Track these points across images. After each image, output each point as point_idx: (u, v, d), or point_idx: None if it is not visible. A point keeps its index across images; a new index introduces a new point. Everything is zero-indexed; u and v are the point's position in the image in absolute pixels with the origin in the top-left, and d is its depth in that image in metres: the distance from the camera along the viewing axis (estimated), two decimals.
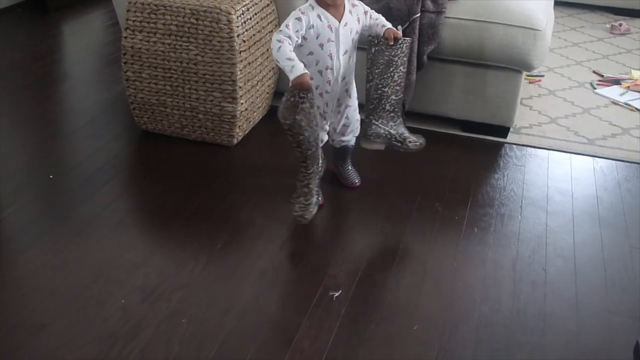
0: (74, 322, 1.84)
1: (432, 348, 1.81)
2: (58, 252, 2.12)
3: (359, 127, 2.41)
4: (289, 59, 2.02)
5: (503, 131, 2.93)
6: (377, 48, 2.19)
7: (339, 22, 2.15)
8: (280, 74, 2.93)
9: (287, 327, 1.85)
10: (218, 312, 1.90)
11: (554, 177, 2.65)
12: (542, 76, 3.58)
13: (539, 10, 2.78)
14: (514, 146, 2.88)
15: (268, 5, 2.81)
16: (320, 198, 2.38)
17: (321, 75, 2.21)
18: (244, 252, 2.16)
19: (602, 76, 3.63)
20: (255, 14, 2.69)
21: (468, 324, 1.90)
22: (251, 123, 2.85)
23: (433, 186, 2.55)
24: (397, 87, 2.25)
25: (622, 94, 3.39)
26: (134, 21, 2.64)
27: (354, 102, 2.35)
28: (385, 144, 2.33)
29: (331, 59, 2.18)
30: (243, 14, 2.59)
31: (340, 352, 1.78)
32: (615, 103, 3.31)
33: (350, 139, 2.42)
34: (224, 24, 2.53)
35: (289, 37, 2.07)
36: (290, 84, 2.03)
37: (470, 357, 1.79)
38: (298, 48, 2.17)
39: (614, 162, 2.78)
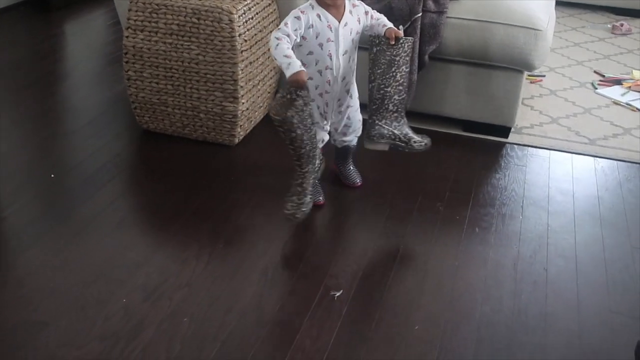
0: (75, 321, 1.84)
1: (433, 347, 1.81)
2: (59, 252, 2.12)
3: (361, 127, 2.41)
4: (286, 56, 2.02)
5: (504, 131, 2.93)
6: (378, 48, 2.18)
7: (339, 22, 2.15)
8: (282, 74, 2.92)
9: (288, 327, 1.85)
10: (219, 312, 1.90)
11: (555, 177, 2.65)
12: (544, 76, 3.58)
13: (540, 10, 2.78)
14: (515, 146, 2.88)
15: (269, 4, 2.81)
16: (321, 198, 2.39)
17: (321, 75, 2.21)
18: (246, 251, 2.16)
19: (604, 76, 3.62)
20: (257, 13, 2.69)
21: (469, 324, 1.90)
22: (252, 122, 2.85)
23: (434, 186, 2.55)
24: (400, 87, 2.24)
25: (623, 94, 3.39)
26: (135, 20, 2.64)
27: (355, 102, 2.35)
28: (389, 144, 2.32)
29: (331, 58, 2.18)
30: (244, 13, 2.59)
31: (341, 351, 1.78)
32: (616, 103, 3.31)
33: (352, 139, 2.42)
34: (226, 24, 2.53)
35: (288, 35, 2.07)
36: (286, 81, 2.04)
37: (471, 356, 1.79)
38: (298, 48, 2.17)
39: (615, 162, 2.78)
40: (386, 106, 2.25)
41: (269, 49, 2.73)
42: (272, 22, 2.82)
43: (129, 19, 2.65)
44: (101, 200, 2.39)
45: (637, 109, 3.24)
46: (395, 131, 2.29)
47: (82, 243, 2.17)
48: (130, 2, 2.63)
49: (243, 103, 2.67)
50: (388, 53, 2.17)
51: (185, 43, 2.60)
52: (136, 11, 2.62)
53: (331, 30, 2.15)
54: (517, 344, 1.84)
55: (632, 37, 4.31)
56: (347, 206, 2.47)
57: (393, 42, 2.16)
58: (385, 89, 2.22)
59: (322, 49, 2.17)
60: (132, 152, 2.80)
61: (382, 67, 2.19)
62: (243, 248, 2.18)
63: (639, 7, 4.67)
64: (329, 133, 2.39)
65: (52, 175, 2.53)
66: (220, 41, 2.56)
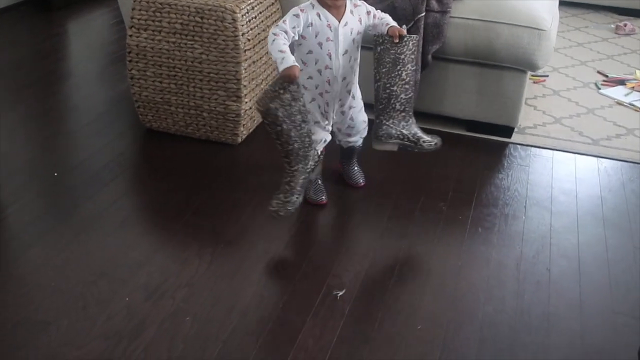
0: (77, 320, 1.84)
1: (436, 347, 1.81)
2: (61, 250, 2.12)
3: (366, 128, 2.40)
4: (281, 51, 2.03)
5: (507, 131, 2.93)
6: (382, 47, 2.17)
7: (339, 21, 2.15)
8: None
9: (291, 326, 1.85)
10: (222, 311, 1.90)
11: (558, 178, 2.65)
12: (547, 76, 3.58)
13: (544, 10, 2.78)
14: (519, 146, 2.87)
15: (272, 4, 2.81)
16: (324, 197, 2.39)
17: (320, 74, 2.21)
18: (248, 251, 2.16)
19: (607, 76, 3.62)
20: (260, 12, 2.69)
21: (472, 324, 1.90)
22: (255, 122, 2.85)
23: (437, 186, 2.54)
24: (406, 86, 2.22)
25: (626, 95, 3.39)
26: (139, 19, 2.64)
27: (357, 103, 2.34)
28: (398, 144, 2.30)
29: (330, 58, 2.18)
30: (248, 12, 2.59)
31: (344, 351, 1.78)
32: (619, 103, 3.31)
33: (357, 140, 2.41)
34: (229, 23, 2.53)
35: (285, 32, 2.08)
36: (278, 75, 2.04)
37: (474, 356, 1.79)
38: (298, 47, 2.18)
39: (618, 162, 2.78)
40: (393, 105, 2.23)
41: None
42: (275, 21, 2.82)
43: (132, 17, 2.65)
44: (104, 199, 2.39)
45: None
46: (404, 131, 2.26)
47: (84, 242, 2.17)
48: (134, 1, 2.63)
49: (246, 102, 2.67)
50: (392, 51, 2.16)
51: (189, 42, 2.60)
52: (140, 10, 2.62)
53: (331, 30, 2.15)
54: (519, 344, 1.84)
55: (636, 37, 4.30)
56: (350, 206, 2.47)
57: (397, 40, 2.15)
58: (392, 88, 2.20)
59: (321, 48, 2.16)
60: (135, 151, 2.80)
61: (387, 65, 2.17)
62: (245, 247, 2.18)
63: None
64: (333, 133, 2.39)
65: (55, 174, 2.53)
66: (223, 40, 2.56)
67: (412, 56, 2.20)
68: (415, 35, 2.22)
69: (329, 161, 2.45)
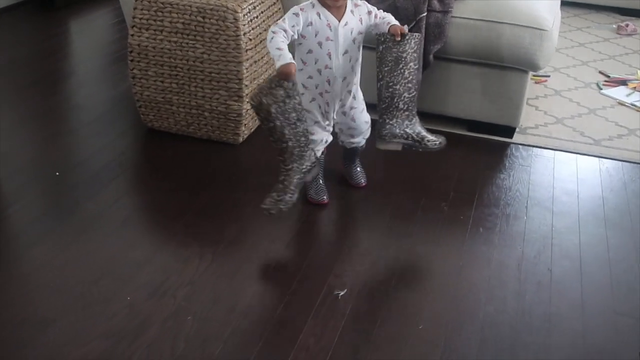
0: (80, 319, 1.84)
1: (437, 347, 1.81)
2: (63, 249, 2.12)
3: (369, 129, 2.40)
4: (278, 49, 2.03)
5: (509, 131, 2.93)
6: (384, 46, 2.16)
7: (339, 21, 2.15)
8: None
9: (292, 326, 1.85)
10: (223, 310, 1.90)
11: (560, 178, 2.65)
12: (548, 76, 3.58)
13: (545, 10, 2.78)
14: (520, 146, 2.87)
15: (274, 3, 2.81)
16: (325, 197, 2.39)
17: (320, 74, 2.21)
18: (249, 250, 2.17)
19: (609, 77, 3.62)
20: (262, 12, 2.69)
21: (473, 324, 1.90)
22: (257, 122, 2.84)
23: (438, 186, 2.54)
24: (409, 85, 2.20)
25: (628, 95, 3.39)
26: (140, 19, 2.64)
27: (359, 104, 2.33)
28: (402, 144, 2.28)
29: (330, 58, 2.18)
30: (249, 12, 2.59)
31: (345, 350, 1.78)
32: (621, 104, 3.31)
33: (360, 141, 2.41)
34: (231, 22, 2.53)
35: (284, 31, 2.08)
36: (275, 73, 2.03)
37: (475, 356, 1.79)
38: (298, 46, 2.18)
39: (620, 162, 2.77)
40: (396, 104, 2.21)
41: None
42: (276, 21, 2.81)
43: (134, 17, 2.65)
44: (105, 198, 2.39)
45: None
46: (408, 130, 2.25)
47: (86, 241, 2.17)
48: (136, 1, 2.63)
49: (247, 102, 2.67)
50: (394, 50, 2.15)
51: (190, 42, 2.60)
52: (141, 9, 2.63)
53: (330, 29, 2.15)
54: (521, 344, 1.84)
55: (638, 37, 4.31)
56: (352, 206, 2.47)
57: (399, 39, 2.14)
58: (394, 87, 2.19)
59: (321, 47, 2.16)
60: (137, 150, 2.80)
61: (390, 64, 2.16)
62: (246, 247, 2.18)
63: None
64: (335, 134, 2.39)
65: (57, 174, 2.53)
66: (225, 40, 2.56)
67: (415, 54, 2.19)
68: (417, 34, 2.21)
69: (331, 161, 2.45)
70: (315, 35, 2.15)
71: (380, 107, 2.24)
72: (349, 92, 2.27)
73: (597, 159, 2.80)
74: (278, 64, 2.01)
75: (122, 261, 2.08)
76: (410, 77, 2.19)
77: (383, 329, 1.86)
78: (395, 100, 2.21)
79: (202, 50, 2.60)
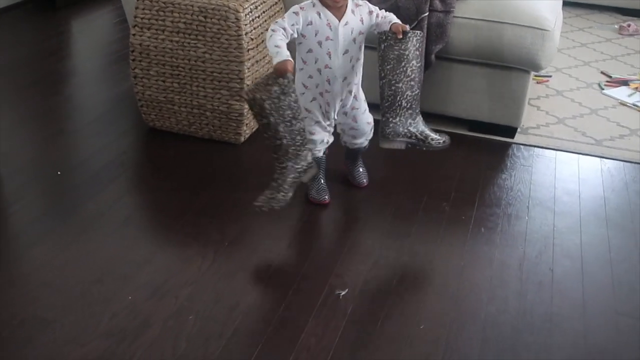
0: (81, 318, 1.84)
1: (438, 347, 1.81)
2: (64, 249, 2.12)
3: (372, 130, 2.39)
4: (276, 46, 2.03)
5: (510, 131, 2.93)
6: (386, 44, 2.14)
7: (339, 20, 2.15)
8: None
9: (293, 325, 1.85)
10: (225, 310, 1.90)
11: (562, 178, 2.65)
12: (550, 76, 3.58)
13: (547, 11, 2.77)
14: (522, 146, 2.87)
15: (276, 3, 2.81)
16: (327, 197, 2.39)
17: (320, 73, 2.21)
18: (251, 249, 2.17)
19: (610, 77, 3.62)
20: (264, 12, 2.69)
21: (475, 324, 1.90)
22: None
23: (440, 186, 2.54)
24: (412, 83, 2.18)
25: (630, 95, 3.39)
26: (142, 18, 2.64)
27: (360, 104, 2.33)
28: (406, 142, 2.26)
29: (330, 57, 2.18)
30: (251, 12, 2.59)
31: (346, 350, 1.78)
32: (623, 104, 3.30)
33: (362, 142, 2.41)
34: (232, 22, 2.53)
35: (284, 29, 2.08)
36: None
37: (476, 356, 1.79)
38: (298, 45, 2.19)
39: (621, 163, 2.77)
40: (399, 103, 2.19)
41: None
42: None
43: (136, 17, 2.65)
44: (107, 197, 2.39)
45: None
46: (411, 129, 2.23)
47: (87, 240, 2.17)
48: (138, 0, 2.63)
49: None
50: (396, 47, 2.13)
51: (192, 41, 2.60)
52: (143, 9, 2.63)
53: (330, 29, 2.15)
54: (522, 344, 1.84)
55: (639, 37, 4.30)
56: (353, 205, 2.47)
57: (400, 36, 2.12)
58: (397, 85, 2.17)
59: (321, 47, 2.17)
60: (138, 149, 2.80)
61: (392, 62, 2.15)
62: (248, 246, 2.18)
63: None
64: (338, 135, 2.39)
65: (58, 173, 2.53)
66: (226, 39, 2.56)
67: (417, 52, 2.17)
68: (419, 31, 2.19)
69: (332, 161, 2.45)
70: (315, 35, 2.15)
71: (383, 105, 2.22)
72: (350, 92, 2.27)
73: (598, 159, 2.80)
74: (275, 61, 2.01)
75: (123, 261, 2.08)
76: (413, 75, 2.18)
77: (384, 329, 1.86)
78: (398, 98, 2.19)
79: (203, 49, 2.60)
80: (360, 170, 2.51)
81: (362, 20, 2.18)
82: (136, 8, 2.64)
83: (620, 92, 3.42)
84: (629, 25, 4.35)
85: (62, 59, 3.68)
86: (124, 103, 3.10)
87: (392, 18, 2.19)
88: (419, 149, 2.27)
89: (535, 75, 3.40)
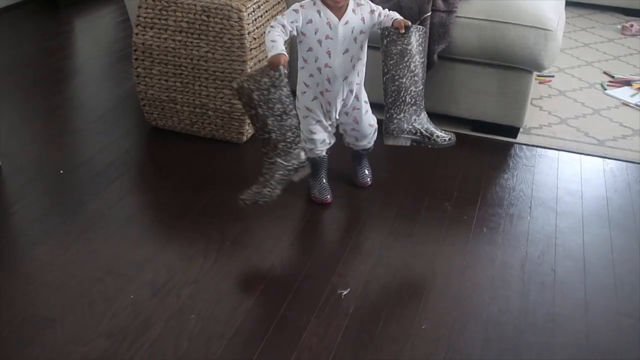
0: (83, 317, 1.85)
1: (440, 347, 1.81)
2: (67, 248, 2.13)
3: (375, 133, 2.39)
4: (272, 41, 2.04)
5: (513, 131, 2.92)
6: (388, 39, 2.12)
7: (339, 19, 2.15)
8: (291, 72, 2.92)
9: (295, 325, 1.85)
10: (227, 309, 1.90)
11: (564, 178, 2.64)
12: (553, 76, 3.57)
13: (550, 11, 2.77)
14: (524, 146, 2.87)
15: (278, 2, 2.81)
16: (329, 196, 2.39)
17: (320, 72, 2.21)
18: (253, 249, 2.17)
19: (613, 77, 3.61)
20: (266, 11, 2.69)
21: (477, 324, 1.90)
22: None
23: (442, 186, 2.54)
24: (416, 78, 2.16)
25: (632, 95, 3.38)
26: (145, 18, 2.64)
27: (362, 105, 2.32)
28: (411, 139, 2.21)
29: (329, 56, 2.18)
30: (254, 11, 2.59)
31: (348, 350, 1.78)
32: (625, 104, 3.30)
33: (365, 144, 2.40)
34: (235, 21, 2.53)
35: (283, 26, 2.09)
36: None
37: (478, 356, 1.79)
38: (299, 44, 2.19)
39: (624, 163, 2.77)
40: (403, 98, 2.16)
41: None
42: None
43: (138, 16, 2.65)
44: (109, 196, 2.39)
45: None
46: (416, 125, 2.19)
47: (90, 239, 2.17)
48: (140, 0, 2.63)
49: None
50: (399, 42, 2.11)
51: (195, 40, 2.60)
52: (146, 8, 2.63)
53: (330, 28, 2.14)
54: (524, 344, 1.84)
55: None
56: (355, 205, 2.47)
57: (403, 31, 2.10)
58: (400, 80, 2.14)
59: (320, 45, 2.17)
60: (141, 149, 2.80)
61: (394, 57, 2.12)
62: (250, 246, 2.18)
63: None
64: (341, 135, 2.39)
65: (61, 172, 2.53)
66: (229, 39, 2.56)
67: (420, 48, 2.15)
68: (421, 27, 2.17)
69: (334, 161, 2.45)
70: (315, 33, 2.15)
71: (387, 101, 2.18)
72: (351, 91, 2.27)
73: (601, 159, 2.80)
74: (269, 55, 2.02)
75: (124, 260, 2.08)
76: (417, 70, 2.15)
77: (386, 329, 1.86)
78: (402, 94, 2.16)
79: (206, 49, 2.60)
80: (365, 171, 2.50)
81: (363, 20, 2.18)
82: (139, 7, 2.64)
83: (623, 92, 3.42)
84: (631, 26, 4.34)
85: (64, 59, 3.69)
86: (127, 102, 3.10)
87: (395, 16, 2.18)
88: (424, 147, 2.23)
89: (538, 75, 3.39)
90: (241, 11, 2.52)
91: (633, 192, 2.57)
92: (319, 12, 2.13)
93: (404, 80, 2.14)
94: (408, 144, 2.22)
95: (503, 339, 1.85)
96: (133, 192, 2.49)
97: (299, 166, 2.12)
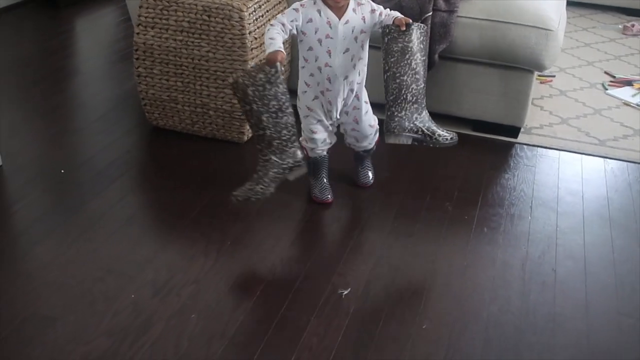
0: (84, 316, 1.85)
1: (441, 347, 1.81)
2: (68, 247, 2.13)
3: (376, 134, 2.39)
4: (271, 39, 2.04)
5: (514, 131, 2.92)
6: (389, 37, 2.11)
7: (339, 19, 2.15)
8: (292, 71, 2.93)
9: (295, 325, 1.85)
10: (227, 308, 1.90)
11: (565, 178, 2.64)
12: (554, 76, 3.57)
13: (551, 10, 2.77)
14: (525, 146, 2.87)
15: (280, 2, 2.81)
16: (330, 196, 2.39)
17: (320, 71, 2.21)
18: (254, 248, 2.17)
19: (614, 77, 3.61)
20: (267, 11, 2.69)
21: (477, 324, 1.90)
22: None
23: (443, 185, 2.54)
24: (417, 76, 2.14)
25: (633, 95, 3.38)
26: (146, 17, 2.64)
27: (362, 105, 2.32)
28: (412, 138, 2.19)
29: (330, 55, 2.18)
30: (255, 11, 2.59)
31: (348, 350, 1.78)
32: (626, 104, 3.30)
33: (366, 145, 2.40)
34: (236, 21, 2.53)
35: (282, 24, 2.09)
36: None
37: (479, 356, 1.79)
38: (300, 43, 2.19)
39: (625, 163, 2.77)
40: (404, 96, 2.14)
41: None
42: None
43: (139, 15, 2.65)
44: (110, 196, 2.39)
45: None
46: (417, 123, 2.17)
47: (90, 239, 2.18)
48: None
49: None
50: (400, 40, 2.10)
51: (196, 40, 2.61)
52: (147, 8, 2.63)
53: (330, 27, 2.14)
54: (525, 344, 1.84)
55: None
56: (356, 205, 2.47)
57: (404, 29, 2.09)
58: (402, 77, 2.12)
59: (321, 45, 2.17)
60: (142, 148, 2.81)
61: (396, 55, 2.11)
62: (251, 245, 2.18)
63: None
64: (343, 136, 2.39)
65: (62, 171, 2.54)
66: (230, 39, 2.56)
67: (421, 45, 2.14)
68: (423, 25, 2.17)
69: (335, 160, 2.45)
70: (315, 32, 2.15)
71: (388, 99, 2.16)
72: (352, 90, 2.27)
73: (602, 159, 2.80)
74: (267, 52, 2.02)
75: (126, 259, 2.08)
76: (418, 68, 2.14)
77: (387, 329, 1.86)
78: (403, 91, 2.14)
79: (207, 48, 2.60)
80: (367, 171, 2.51)
81: (364, 19, 2.18)
82: (140, 7, 2.64)
83: (624, 92, 3.42)
84: (632, 25, 4.34)
85: (65, 58, 3.69)
86: (128, 102, 3.10)
87: (396, 15, 2.17)
88: (425, 146, 2.21)
89: (539, 75, 3.39)
90: (242, 11, 2.53)
91: (634, 192, 2.57)
92: (319, 11, 2.13)
93: (405, 77, 2.13)
94: (409, 142, 2.20)
95: (504, 339, 1.85)
96: (134, 192, 2.49)
97: (295, 165, 2.10)
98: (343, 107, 2.29)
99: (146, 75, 2.73)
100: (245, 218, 2.30)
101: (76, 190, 2.46)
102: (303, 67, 2.23)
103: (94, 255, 2.10)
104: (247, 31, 2.55)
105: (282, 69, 2.00)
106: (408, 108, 2.17)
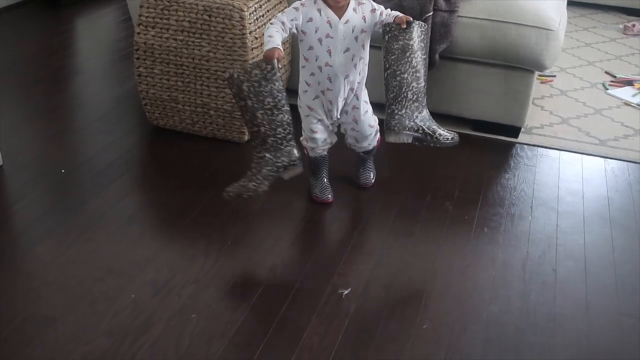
0: (84, 316, 1.85)
1: (441, 347, 1.81)
2: (68, 247, 2.13)
3: (376, 135, 2.39)
4: (270, 36, 2.04)
5: (514, 131, 2.92)
6: (390, 35, 2.11)
7: (340, 18, 2.15)
8: (292, 71, 2.93)
9: (296, 325, 1.85)
10: (227, 308, 1.90)
11: (565, 178, 2.64)
12: (554, 76, 3.57)
13: (552, 10, 2.77)
14: (525, 146, 2.87)
15: (280, 2, 2.81)
16: (330, 196, 2.39)
17: (321, 71, 2.21)
18: (254, 248, 2.17)
19: (615, 77, 3.61)
20: (268, 10, 2.69)
21: (477, 324, 1.90)
22: None
23: (443, 185, 2.54)
24: (417, 74, 2.13)
25: (634, 95, 3.38)
26: (146, 17, 2.64)
27: (363, 105, 2.32)
28: (412, 136, 2.17)
29: (330, 55, 2.18)
30: (255, 10, 2.59)
31: (349, 350, 1.78)
32: (627, 104, 3.30)
33: (366, 146, 2.40)
34: (237, 21, 2.53)
35: (282, 23, 2.09)
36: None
37: (479, 356, 1.79)
38: (300, 43, 2.19)
39: (625, 163, 2.77)
40: (405, 94, 2.13)
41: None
42: None
43: (140, 15, 2.65)
44: (111, 196, 2.39)
45: None
46: (418, 122, 2.16)
47: (91, 239, 2.18)
48: None
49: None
50: (400, 38, 2.10)
51: (197, 40, 2.61)
52: (148, 8, 2.63)
53: (330, 26, 2.14)
54: (525, 344, 1.83)
55: None
56: (356, 205, 2.47)
57: (404, 26, 2.09)
58: (402, 75, 2.11)
59: (321, 44, 2.17)
60: (142, 148, 2.81)
61: (396, 52, 2.10)
62: (251, 245, 2.18)
63: None
64: (343, 136, 2.39)
65: (63, 171, 2.54)
66: (231, 38, 2.56)
67: (422, 44, 2.13)
68: (423, 23, 2.16)
69: (336, 160, 2.45)
70: (316, 32, 2.15)
71: (389, 97, 2.14)
72: (352, 89, 2.27)
73: (602, 159, 2.80)
74: (265, 49, 2.02)
75: (126, 259, 2.08)
76: (418, 66, 2.13)
77: (387, 328, 1.86)
78: (404, 89, 2.13)
79: (208, 48, 2.60)
80: (369, 172, 2.50)
81: (364, 18, 2.18)
82: (140, 6, 2.64)
83: (625, 92, 3.41)
84: (633, 25, 4.34)
85: (65, 58, 3.69)
86: (128, 102, 3.10)
87: (397, 14, 2.17)
88: (426, 145, 2.19)
89: (540, 75, 3.39)
90: (243, 11, 2.53)
91: (634, 192, 2.57)
92: (319, 10, 2.14)
93: (406, 75, 2.12)
94: (410, 140, 2.18)
95: (504, 339, 1.85)
96: (134, 192, 2.49)
97: (290, 164, 2.09)
98: (344, 106, 2.29)
99: (147, 75, 2.73)
100: (245, 218, 2.30)
101: (76, 190, 2.46)
102: (303, 66, 2.23)
103: (94, 255, 2.10)
104: (248, 31, 2.55)
105: (279, 66, 2.00)
106: (409, 106, 2.15)
